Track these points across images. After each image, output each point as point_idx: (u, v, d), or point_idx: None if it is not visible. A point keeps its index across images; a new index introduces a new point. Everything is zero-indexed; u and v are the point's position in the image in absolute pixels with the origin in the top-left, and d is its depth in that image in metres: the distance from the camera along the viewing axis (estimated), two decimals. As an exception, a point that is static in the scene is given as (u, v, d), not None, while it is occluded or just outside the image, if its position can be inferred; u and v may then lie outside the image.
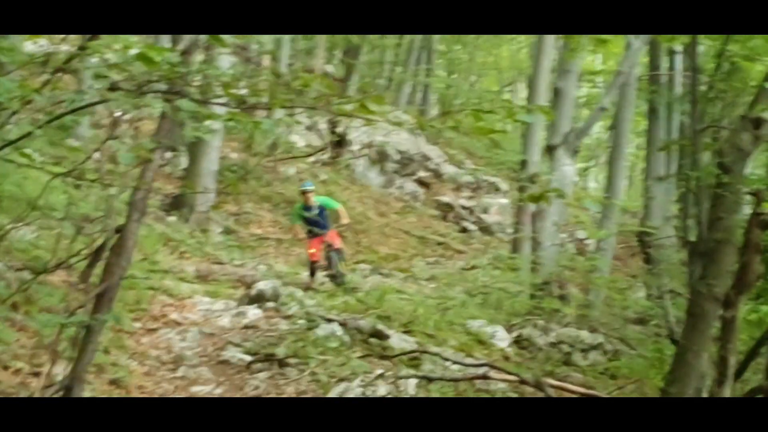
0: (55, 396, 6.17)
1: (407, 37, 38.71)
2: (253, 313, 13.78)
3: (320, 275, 18.28)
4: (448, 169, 34.01)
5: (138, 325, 12.54)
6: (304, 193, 17.95)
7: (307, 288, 16.90)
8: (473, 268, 22.11)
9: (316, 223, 17.70)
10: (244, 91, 6.27)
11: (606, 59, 42.87)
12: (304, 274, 18.25)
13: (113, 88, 6.04)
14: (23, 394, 7.08)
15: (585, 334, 15.40)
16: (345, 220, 18.23)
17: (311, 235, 17.89)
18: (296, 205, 18.38)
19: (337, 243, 18.23)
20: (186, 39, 7.89)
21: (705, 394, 9.90)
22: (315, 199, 17.84)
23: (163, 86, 6.32)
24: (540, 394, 10.72)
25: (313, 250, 17.81)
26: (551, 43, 21.25)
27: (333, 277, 17.86)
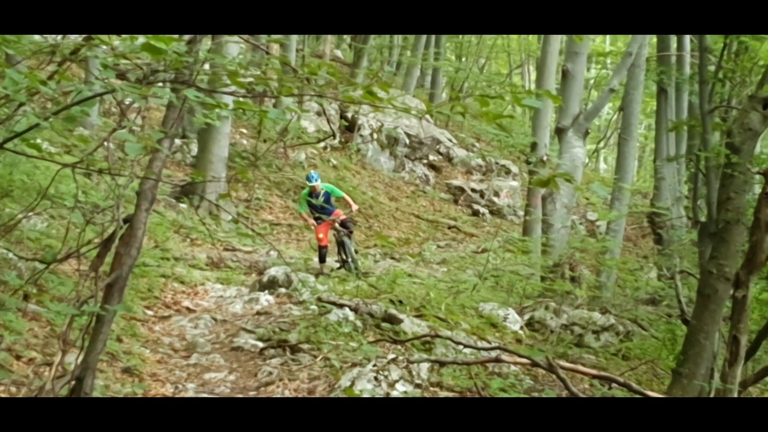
0: (67, 386, 6.19)
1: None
2: (266, 299, 13.82)
3: (331, 260, 18.31)
4: (459, 153, 34.03)
5: (150, 312, 12.58)
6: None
7: (318, 273, 16.94)
8: (484, 251, 22.08)
9: (323, 209, 17.71)
10: (251, 79, 6.27)
11: (615, 40, 42.87)
12: (316, 260, 18.28)
13: (120, 77, 6.06)
14: (36, 383, 7.11)
15: (597, 316, 15.39)
16: (354, 207, 18.22)
17: (319, 221, 17.90)
18: (303, 191, 18.38)
19: (344, 215, 18.17)
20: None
21: (717, 374, 9.91)
22: (321, 186, 17.84)
23: (170, 75, 6.33)
24: (552, 377, 10.74)
25: (321, 236, 17.83)
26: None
27: (345, 263, 17.88)
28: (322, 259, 17.95)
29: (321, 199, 17.60)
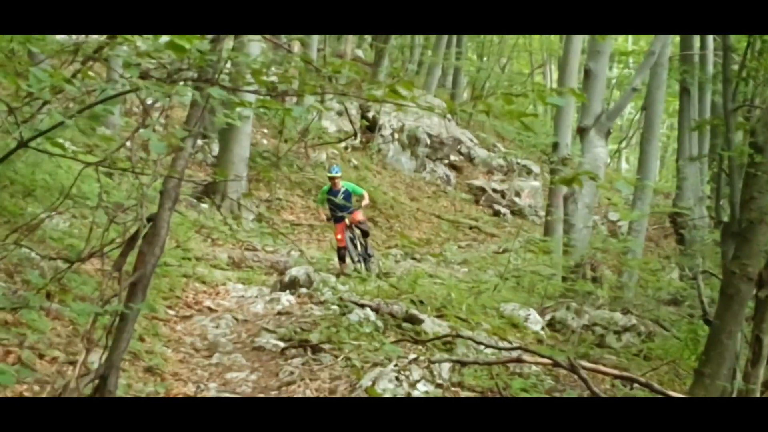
0: (91, 384, 6.21)
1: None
2: (287, 299, 13.81)
3: (351, 260, 18.32)
4: (480, 153, 33.99)
5: (172, 312, 12.60)
6: (331, 178, 18.03)
7: (339, 273, 16.93)
8: (506, 251, 22.04)
9: (342, 207, 17.73)
10: (274, 78, 6.27)
11: (637, 39, 42.72)
12: (336, 260, 18.29)
13: (144, 76, 6.07)
14: (59, 382, 7.12)
15: (618, 316, 15.32)
16: (365, 201, 18.24)
17: (336, 220, 17.92)
18: (323, 187, 18.45)
19: (361, 217, 18.20)
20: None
21: (739, 374, 9.86)
22: (342, 184, 17.89)
23: (193, 74, 6.34)
24: (573, 377, 10.69)
25: (339, 236, 17.84)
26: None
27: (359, 259, 17.92)
28: (341, 259, 17.97)
29: (341, 197, 17.62)
